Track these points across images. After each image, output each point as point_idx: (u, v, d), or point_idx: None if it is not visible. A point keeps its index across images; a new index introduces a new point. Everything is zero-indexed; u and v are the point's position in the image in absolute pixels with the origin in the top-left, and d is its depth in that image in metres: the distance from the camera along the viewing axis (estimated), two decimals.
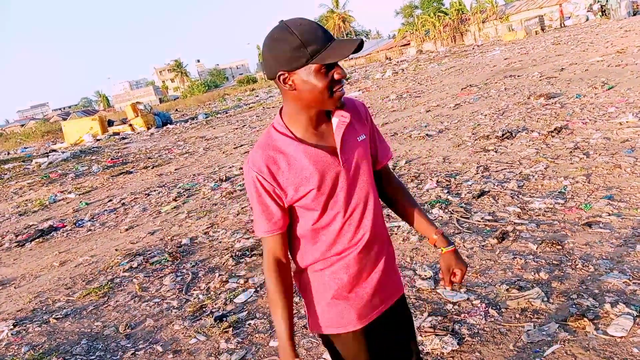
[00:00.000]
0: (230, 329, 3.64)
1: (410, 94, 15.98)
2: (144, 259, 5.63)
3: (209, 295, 4.37)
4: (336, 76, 1.38)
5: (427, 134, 8.95)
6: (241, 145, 13.28)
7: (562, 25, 28.76)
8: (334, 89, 1.39)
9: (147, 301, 4.52)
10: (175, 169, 11.85)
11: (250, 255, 5.03)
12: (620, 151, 5.65)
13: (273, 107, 23.59)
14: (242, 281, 4.49)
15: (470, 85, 14.05)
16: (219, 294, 4.33)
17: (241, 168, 9.89)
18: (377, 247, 1.61)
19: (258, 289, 4.29)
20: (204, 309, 4.10)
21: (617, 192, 4.63)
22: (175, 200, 8.36)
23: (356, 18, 64.72)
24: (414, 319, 3.24)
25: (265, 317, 3.76)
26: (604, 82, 9.68)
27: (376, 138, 1.67)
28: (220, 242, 5.71)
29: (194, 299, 4.37)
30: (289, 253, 1.59)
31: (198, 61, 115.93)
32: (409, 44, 53.25)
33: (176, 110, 42.38)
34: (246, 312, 3.92)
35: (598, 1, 31.96)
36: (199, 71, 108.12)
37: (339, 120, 1.49)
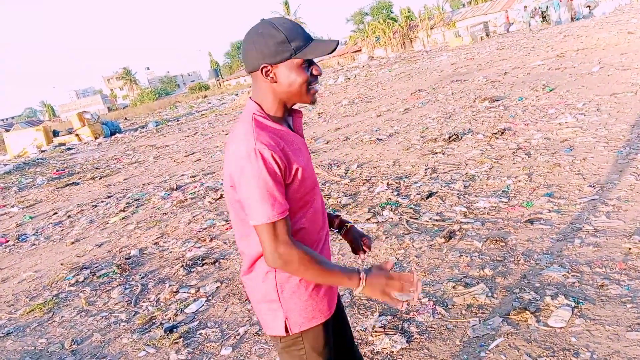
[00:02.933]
0: (181, 339, 3.57)
1: (362, 99, 16.19)
2: (90, 272, 5.44)
3: (159, 306, 4.27)
4: (314, 72, 1.48)
5: (378, 138, 9.08)
6: (193, 153, 13.08)
7: (508, 30, 29.88)
8: (311, 84, 1.48)
9: (94, 315, 4.37)
10: (124, 179, 11.54)
11: (201, 265, 4.94)
12: (559, 150, 5.91)
13: (226, 114, 23.36)
14: (193, 291, 4.41)
15: (419, 90, 14.37)
16: (169, 305, 4.24)
17: (193, 176, 9.74)
18: (328, 237, 1.72)
19: (209, 297, 4.23)
20: (153, 321, 4.00)
21: (556, 189, 4.84)
22: (123, 210, 8.12)
23: (308, 24, 64.92)
24: (365, 319, 3.28)
25: (216, 326, 3.70)
26: (544, 85, 10.11)
27: None
28: (170, 252, 5.59)
29: (143, 311, 4.26)
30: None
31: (148, 69, 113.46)
32: (360, 50, 54.02)
33: (125, 118, 41.34)
34: (197, 321, 3.84)
35: (539, 8, 33.36)
36: (149, 79, 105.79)
37: (296, 114, 1.62)
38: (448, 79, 15.22)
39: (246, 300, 3.99)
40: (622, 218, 3.95)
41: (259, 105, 1.51)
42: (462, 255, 3.90)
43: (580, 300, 2.99)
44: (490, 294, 3.27)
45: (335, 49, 1.45)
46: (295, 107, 1.61)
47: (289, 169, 1.44)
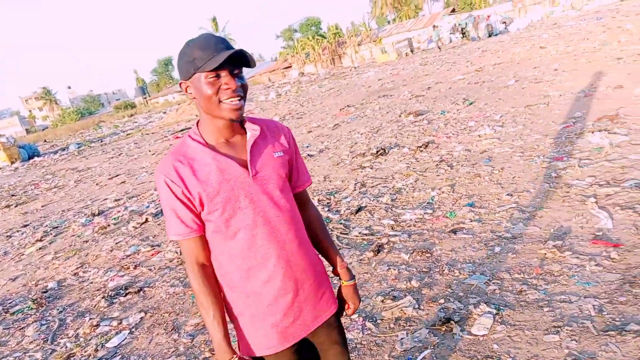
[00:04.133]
0: None
1: (293, 115, 16.25)
2: (3, 309, 5.04)
3: (78, 342, 4.00)
4: (224, 86, 1.45)
5: (308, 154, 9.11)
6: (117, 175, 12.54)
7: (439, 46, 31.15)
8: (222, 98, 1.45)
9: (5, 357, 4.02)
10: (42, 206, 10.85)
11: (124, 294, 4.70)
12: (479, 161, 6.16)
13: (153, 133, 22.66)
14: (115, 323, 4.17)
15: (348, 106, 14.61)
16: (89, 340, 3.98)
17: (116, 200, 9.31)
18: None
19: (133, 329, 4.01)
20: (72, 359, 3.73)
21: (477, 199, 5.03)
22: (40, 240, 7.61)
23: (237, 41, 64.63)
24: None
25: (140, 359, 3.51)
26: (464, 98, 10.57)
27: (298, 162, 1.72)
28: (91, 283, 5.28)
29: (61, 348, 3.97)
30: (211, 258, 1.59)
31: (69, 87, 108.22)
32: (290, 66, 54.44)
33: (45, 141, 39.17)
34: (119, 356, 3.63)
35: (459, 24, 35.09)
36: (71, 98, 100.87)
37: (250, 134, 1.56)
38: (375, 95, 15.61)
39: (172, 330, 3.82)
40: (538, 224, 4.15)
41: (197, 125, 1.57)
42: (390, 269, 3.94)
43: (501, 307, 3.09)
44: (417, 306, 3.31)
45: (244, 61, 1.45)
46: (252, 124, 1.58)
47: (190, 193, 1.48)
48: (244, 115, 1.56)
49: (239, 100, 1.47)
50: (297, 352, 1.63)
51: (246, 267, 1.53)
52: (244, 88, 1.49)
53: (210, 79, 1.44)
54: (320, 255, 1.77)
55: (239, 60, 1.46)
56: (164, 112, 37.29)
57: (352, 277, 1.80)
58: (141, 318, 4.17)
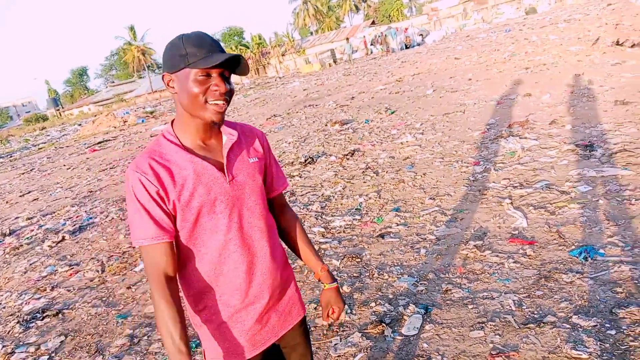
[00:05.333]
0: None
1: None
2: None
3: None
4: (213, 87, 1.42)
5: None
6: (29, 192, 11.74)
7: (368, 53, 31.84)
8: (209, 99, 1.42)
9: None
10: None
11: (41, 318, 4.39)
12: (403, 168, 6.38)
13: (68, 147, 21.46)
14: (32, 349, 3.88)
15: (274, 115, 14.62)
16: None
17: (29, 218, 8.70)
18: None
19: (53, 354, 3.75)
20: None
21: (402, 204, 5.20)
22: None
23: (158, 51, 62.68)
24: None
25: None
26: (387, 107, 10.91)
27: (272, 166, 1.70)
28: (4, 308, 4.89)
29: None
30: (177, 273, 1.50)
31: None
32: None
33: None
34: None
35: (379, 36, 36.23)
36: None
37: (227, 138, 1.54)
38: (301, 104, 15.74)
39: (96, 352, 3.62)
40: (459, 226, 4.35)
41: (172, 125, 1.53)
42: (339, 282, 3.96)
43: (429, 307, 3.20)
44: (349, 311, 3.36)
45: (237, 64, 1.44)
46: (229, 128, 1.56)
47: (166, 193, 1.42)
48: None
49: (224, 103, 1.46)
50: (265, 357, 1.62)
51: (217, 273, 1.50)
52: (231, 92, 1.47)
53: (200, 77, 1.41)
54: (288, 260, 1.76)
55: (231, 65, 1.44)
56: (80, 124, 35.46)
57: (334, 280, 1.79)
58: (61, 342, 3.91)
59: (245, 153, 1.58)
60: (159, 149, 1.48)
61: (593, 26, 14.19)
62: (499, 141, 6.39)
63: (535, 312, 2.91)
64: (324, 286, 1.78)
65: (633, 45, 10.54)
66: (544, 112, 7.34)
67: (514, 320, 2.87)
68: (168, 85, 1.48)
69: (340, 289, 3.63)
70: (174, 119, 1.54)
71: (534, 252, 3.59)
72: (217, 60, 1.38)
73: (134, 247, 5.76)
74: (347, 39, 36.38)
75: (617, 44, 11.06)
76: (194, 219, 1.45)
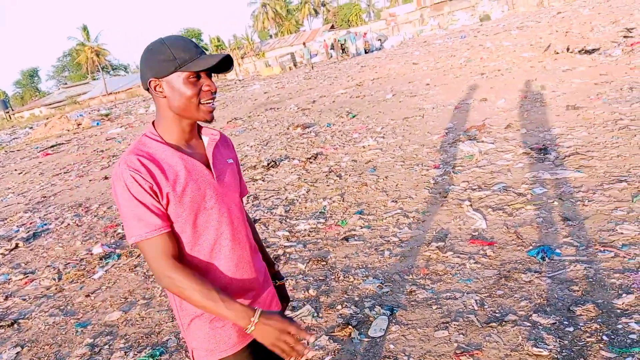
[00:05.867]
0: None
1: None
2: None
3: None
4: (205, 87, 1.47)
5: None
6: None
7: (337, 57, 32.06)
8: (202, 99, 1.47)
9: None
10: None
11: None
12: (365, 171, 6.46)
13: (18, 150, 20.62)
14: None
15: (235, 119, 14.50)
16: None
17: None
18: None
19: None
20: None
21: (365, 207, 5.26)
22: None
23: (112, 52, 61.19)
24: None
25: None
26: (348, 111, 11.02)
27: (240, 171, 1.75)
28: None
29: None
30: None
31: None
32: None
33: None
34: None
35: (339, 40, 36.51)
36: None
37: (210, 138, 1.58)
38: (262, 107, 15.68)
39: None
40: (421, 228, 4.44)
41: (154, 126, 1.54)
42: (287, 279, 3.97)
43: (395, 308, 3.26)
44: (316, 314, 3.38)
45: (227, 64, 1.48)
46: (209, 129, 1.60)
47: (160, 192, 1.43)
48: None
49: (214, 102, 1.52)
50: (252, 352, 1.63)
51: (209, 267, 1.52)
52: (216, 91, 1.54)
53: (192, 79, 1.45)
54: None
55: (219, 65, 1.47)
56: (31, 127, 34.14)
57: (283, 277, 1.93)
58: (17, 353, 3.76)
59: (224, 153, 1.65)
60: (145, 148, 1.49)
61: (544, 33, 14.79)
62: (458, 145, 6.56)
63: (497, 311, 3.00)
64: (276, 282, 1.89)
65: (581, 52, 11.04)
66: (500, 116, 7.58)
67: (477, 319, 2.96)
68: (155, 90, 1.49)
69: (307, 292, 3.66)
70: (154, 121, 1.56)
71: (493, 252, 3.71)
72: (213, 62, 1.43)
73: (91, 254, 5.60)
74: (304, 43, 36.50)
75: (568, 50, 11.56)
76: (187, 214, 1.47)
